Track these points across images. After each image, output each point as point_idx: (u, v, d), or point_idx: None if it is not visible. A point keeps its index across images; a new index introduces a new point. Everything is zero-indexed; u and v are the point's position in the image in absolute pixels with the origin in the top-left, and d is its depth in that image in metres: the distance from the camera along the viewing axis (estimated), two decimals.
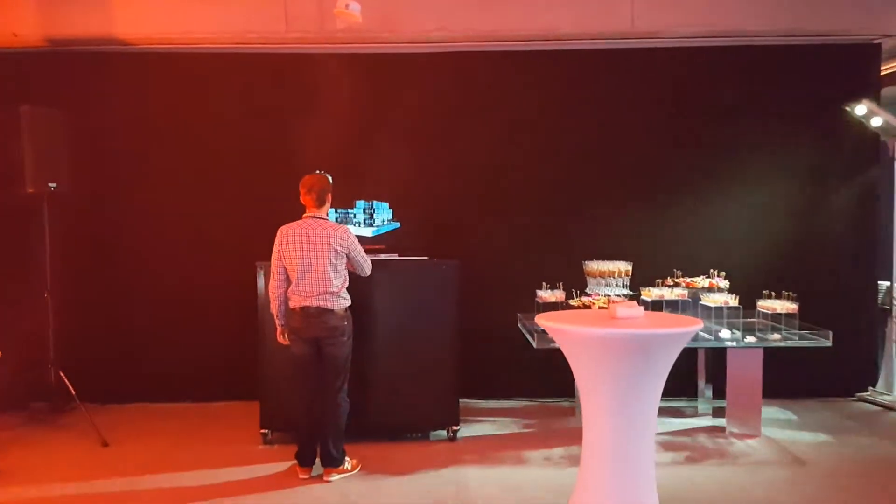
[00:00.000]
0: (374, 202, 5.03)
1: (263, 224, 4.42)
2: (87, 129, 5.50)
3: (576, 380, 3.32)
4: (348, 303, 4.14)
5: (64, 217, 5.20)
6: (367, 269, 4.23)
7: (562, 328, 3.09)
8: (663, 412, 4.87)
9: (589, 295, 4.98)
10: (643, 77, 5.74)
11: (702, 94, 5.77)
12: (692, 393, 5.59)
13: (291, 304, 4.07)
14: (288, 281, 4.11)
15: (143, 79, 5.68)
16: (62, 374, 4.91)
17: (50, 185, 4.81)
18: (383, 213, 5.04)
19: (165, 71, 5.69)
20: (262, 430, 4.69)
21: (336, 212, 4.94)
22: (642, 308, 3.27)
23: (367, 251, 4.25)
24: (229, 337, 5.50)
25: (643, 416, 3.08)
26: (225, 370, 5.61)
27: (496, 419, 5.32)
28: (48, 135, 4.84)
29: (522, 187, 5.81)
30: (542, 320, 3.21)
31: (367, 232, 5.05)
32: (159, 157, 5.71)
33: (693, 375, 5.55)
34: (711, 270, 5.12)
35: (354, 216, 5.00)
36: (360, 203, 5.01)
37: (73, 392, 4.86)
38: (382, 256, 4.78)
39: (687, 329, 3.03)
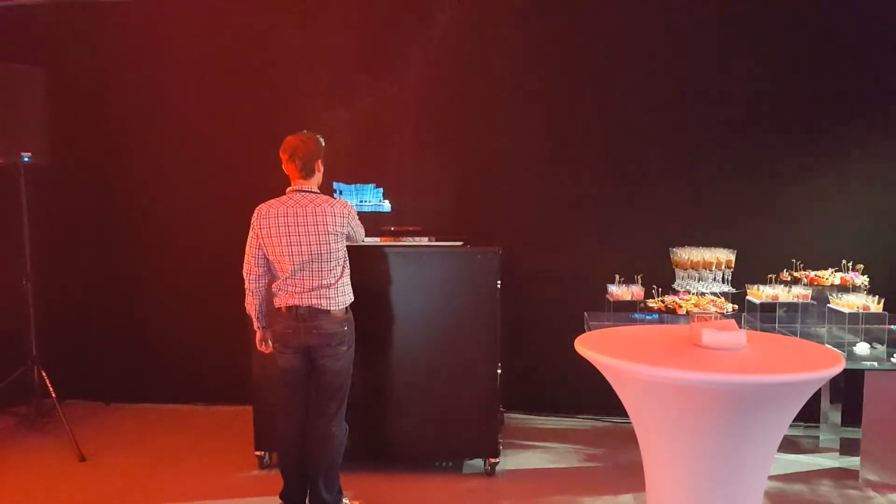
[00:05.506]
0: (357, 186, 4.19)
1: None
2: (70, 90, 4.87)
3: (636, 432, 2.24)
4: (350, 299, 3.31)
5: (45, 193, 4.63)
6: (363, 234, 3.54)
7: (608, 363, 2.01)
8: None
9: (676, 292, 4.06)
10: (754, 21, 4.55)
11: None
12: (812, 416, 4.46)
13: (276, 303, 3.28)
14: (269, 272, 3.28)
15: (136, 28, 4.91)
16: (44, 374, 4.37)
17: (23, 155, 4.22)
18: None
19: (160, 17, 4.90)
20: (258, 453, 3.92)
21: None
22: (742, 331, 2.13)
23: (397, 232, 3.79)
24: (232, 330, 4.70)
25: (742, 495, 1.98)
26: (228, 369, 4.87)
27: (550, 445, 4.39)
28: (19, 97, 4.23)
29: (591, 150, 4.72)
30: (583, 346, 2.13)
31: None
32: (155, 122, 4.99)
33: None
34: (844, 262, 4.05)
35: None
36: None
37: (54, 395, 4.33)
38: (405, 241, 4.03)
39: (818, 374, 1.89)
